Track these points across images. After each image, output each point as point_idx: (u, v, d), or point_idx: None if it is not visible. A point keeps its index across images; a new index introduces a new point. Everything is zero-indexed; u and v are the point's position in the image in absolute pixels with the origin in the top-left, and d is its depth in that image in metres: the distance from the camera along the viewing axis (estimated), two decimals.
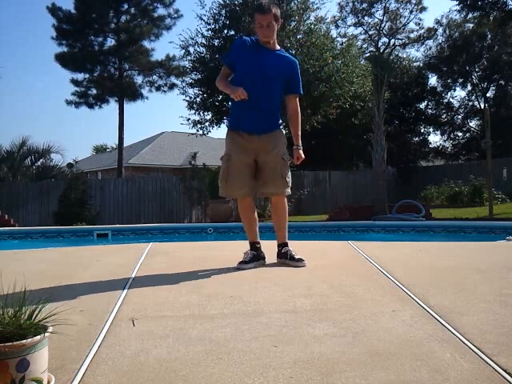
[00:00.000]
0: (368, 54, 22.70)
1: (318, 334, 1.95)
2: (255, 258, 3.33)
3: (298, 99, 3.45)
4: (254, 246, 3.39)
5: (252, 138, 3.29)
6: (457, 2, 17.35)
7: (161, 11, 19.89)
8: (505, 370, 1.60)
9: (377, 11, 26.22)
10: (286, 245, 3.42)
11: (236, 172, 3.27)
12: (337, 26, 25.56)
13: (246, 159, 3.29)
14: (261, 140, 3.29)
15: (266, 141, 3.30)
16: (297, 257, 3.33)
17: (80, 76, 19.74)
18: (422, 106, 25.43)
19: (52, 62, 23.62)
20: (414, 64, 25.77)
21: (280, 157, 3.32)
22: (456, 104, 26.22)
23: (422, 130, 25.83)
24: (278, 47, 3.38)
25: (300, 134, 3.43)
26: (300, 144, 3.40)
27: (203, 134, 17.06)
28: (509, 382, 1.54)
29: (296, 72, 3.38)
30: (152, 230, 9.61)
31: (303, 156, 3.38)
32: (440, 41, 25.84)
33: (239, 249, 3.52)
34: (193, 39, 15.39)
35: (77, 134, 79.19)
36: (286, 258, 3.35)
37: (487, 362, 1.67)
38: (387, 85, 12.42)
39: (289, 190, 3.38)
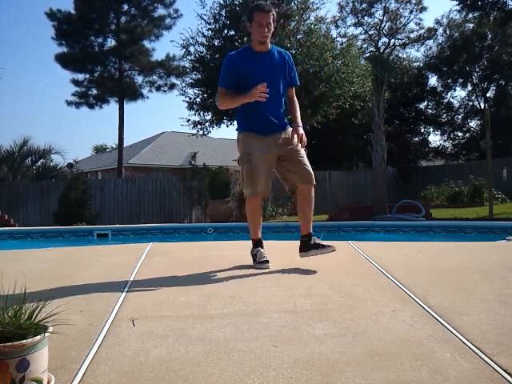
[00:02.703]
0: (368, 54, 22.71)
1: (318, 334, 1.95)
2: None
3: (294, 89, 3.50)
4: (261, 243, 3.39)
5: (272, 137, 3.30)
6: (457, 2, 17.35)
7: (161, 11, 19.92)
8: (505, 370, 1.60)
9: (377, 11, 26.25)
10: (311, 235, 3.35)
11: (261, 171, 3.27)
12: (337, 26, 25.55)
13: (267, 157, 3.29)
14: (281, 136, 3.32)
15: (285, 136, 3.34)
16: (325, 244, 3.27)
17: (80, 76, 19.75)
18: (422, 106, 25.44)
19: (52, 62, 23.59)
20: (414, 64, 25.78)
21: (302, 148, 3.35)
22: (456, 104, 26.27)
23: (422, 130, 25.84)
24: (268, 46, 3.34)
25: (299, 116, 3.41)
26: (300, 122, 3.35)
27: (203, 135, 17.06)
28: (509, 382, 1.54)
29: (292, 64, 3.43)
30: (152, 230, 9.61)
31: (304, 134, 3.29)
32: (440, 41, 25.89)
33: (239, 249, 3.53)
34: (193, 38, 15.40)
35: (77, 134, 79.21)
36: (316, 248, 3.26)
37: (487, 362, 1.67)
38: (387, 85, 12.43)
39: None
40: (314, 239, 3.33)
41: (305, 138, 3.30)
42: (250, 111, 3.30)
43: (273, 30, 3.28)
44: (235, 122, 3.53)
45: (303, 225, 3.42)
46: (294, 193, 3.51)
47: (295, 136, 3.27)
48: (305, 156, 3.37)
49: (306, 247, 3.33)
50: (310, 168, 3.39)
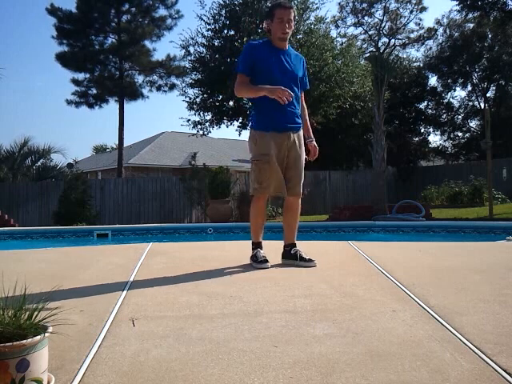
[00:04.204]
0: (368, 54, 22.71)
1: (318, 334, 1.95)
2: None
3: (303, 94, 3.55)
4: (261, 246, 3.41)
5: (286, 135, 3.30)
6: (457, 2, 17.35)
7: (162, 11, 19.91)
8: (505, 370, 1.60)
9: (377, 11, 26.24)
10: (294, 245, 3.42)
11: (276, 171, 3.26)
12: (337, 26, 25.61)
13: (280, 159, 3.29)
14: (293, 138, 3.33)
15: (297, 139, 3.35)
16: (307, 257, 3.32)
17: (80, 76, 19.77)
18: (422, 106, 25.44)
19: (53, 61, 23.58)
20: (414, 64, 25.78)
21: (303, 157, 3.39)
22: (456, 104, 26.28)
23: (422, 130, 25.85)
24: (287, 46, 3.40)
25: (310, 127, 3.55)
26: (312, 136, 3.51)
27: (203, 135, 17.07)
28: (509, 382, 1.54)
29: (305, 68, 3.49)
30: (152, 230, 9.61)
31: (317, 147, 3.48)
32: (440, 41, 25.90)
33: (239, 249, 3.52)
34: (193, 39, 15.41)
35: (77, 134, 79.39)
36: (295, 259, 3.32)
37: (487, 362, 1.67)
38: (387, 85, 12.40)
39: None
40: (295, 250, 3.38)
41: (317, 152, 3.48)
42: (271, 108, 3.24)
43: (293, 27, 3.33)
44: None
45: (287, 235, 3.48)
46: (276, 197, 3.53)
47: (312, 151, 3.44)
48: (302, 167, 3.39)
49: (287, 256, 3.40)
50: (301, 180, 3.39)
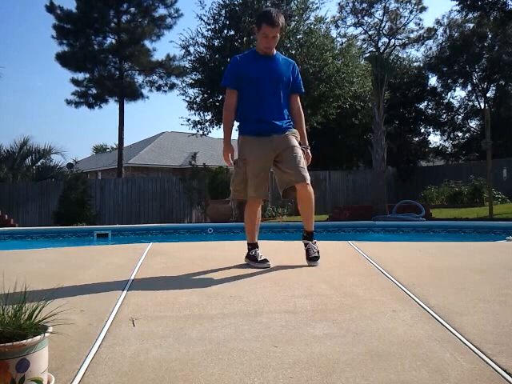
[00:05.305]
0: (368, 54, 22.71)
1: (318, 334, 1.95)
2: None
3: (299, 98, 3.53)
4: (257, 246, 3.43)
5: (269, 139, 3.30)
6: (457, 2, 17.35)
7: (161, 11, 19.90)
8: (505, 370, 1.60)
9: (377, 11, 26.26)
10: (311, 235, 3.44)
11: (256, 175, 3.28)
12: (337, 26, 25.62)
13: (263, 162, 3.30)
14: (280, 138, 3.32)
15: (286, 138, 3.34)
16: (311, 255, 3.34)
17: (80, 76, 19.75)
18: (422, 106, 25.43)
19: (53, 61, 23.55)
20: (414, 64, 25.78)
21: (300, 148, 3.36)
22: (456, 104, 26.27)
23: (422, 130, 25.84)
24: (274, 52, 3.41)
25: (305, 133, 3.51)
26: (307, 143, 3.48)
27: (203, 135, 17.06)
28: (509, 382, 1.54)
29: (296, 72, 3.48)
30: (152, 230, 9.61)
31: (311, 155, 3.46)
32: (440, 41, 25.90)
33: (239, 249, 3.52)
34: (193, 39, 15.40)
35: (77, 134, 79.44)
36: (307, 255, 3.36)
37: (487, 362, 1.67)
38: (387, 85, 12.39)
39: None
40: (308, 244, 3.39)
41: (309, 160, 3.44)
42: (250, 114, 3.32)
43: (279, 37, 3.35)
44: (235, 123, 3.53)
45: (304, 223, 3.53)
46: (285, 196, 3.49)
47: (305, 159, 3.39)
48: (299, 155, 3.32)
49: (311, 257, 3.37)
50: (302, 166, 3.30)
